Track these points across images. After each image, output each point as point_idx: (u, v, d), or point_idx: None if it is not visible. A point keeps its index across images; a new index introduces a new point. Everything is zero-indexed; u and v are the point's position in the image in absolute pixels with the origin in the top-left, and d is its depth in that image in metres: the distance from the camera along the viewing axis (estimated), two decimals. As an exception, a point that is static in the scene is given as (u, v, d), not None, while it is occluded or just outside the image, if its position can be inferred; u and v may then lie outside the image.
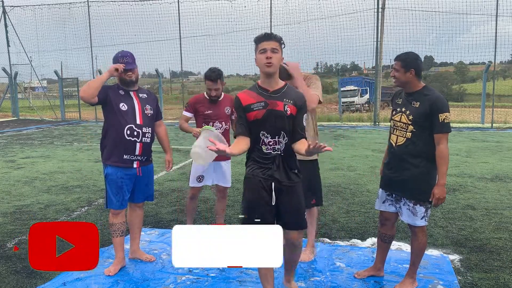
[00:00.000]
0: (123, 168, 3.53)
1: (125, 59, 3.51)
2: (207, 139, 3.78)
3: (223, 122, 4.20)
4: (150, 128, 3.63)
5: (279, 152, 2.74)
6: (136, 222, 3.82)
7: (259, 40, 2.69)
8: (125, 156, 3.52)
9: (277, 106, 2.70)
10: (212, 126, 4.06)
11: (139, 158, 3.58)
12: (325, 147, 2.38)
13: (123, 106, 3.52)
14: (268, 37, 2.66)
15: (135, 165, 3.57)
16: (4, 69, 20.88)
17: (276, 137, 2.72)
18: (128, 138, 3.50)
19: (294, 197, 2.79)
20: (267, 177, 2.74)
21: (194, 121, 4.34)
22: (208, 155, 3.58)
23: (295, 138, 2.76)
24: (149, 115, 3.63)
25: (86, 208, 5.57)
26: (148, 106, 3.64)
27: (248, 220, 2.79)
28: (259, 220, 2.72)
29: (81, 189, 6.57)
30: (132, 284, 3.40)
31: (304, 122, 2.81)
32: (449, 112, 3.05)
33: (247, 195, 2.82)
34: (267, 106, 2.70)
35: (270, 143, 2.72)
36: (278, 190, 2.76)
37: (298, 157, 2.86)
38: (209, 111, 4.14)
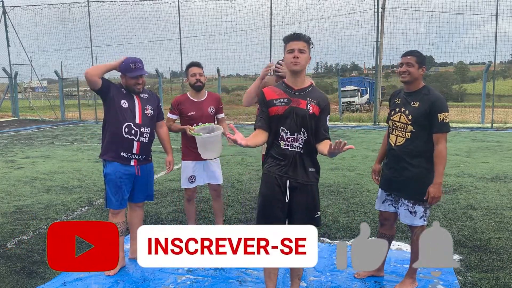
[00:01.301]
0: (121, 164, 3.53)
1: (136, 64, 3.51)
2: (203, 133, 3.85)
3: (207, 123, 4.16)
4: (149, 128, 3.62)
5: (297, 150, 2.76)
6: (136, 222, 3.82)
7: (287, 40, 2.74)
8: (122, 153, 3.53)
9: (300, 104, 2.74)
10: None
11: (136, 156, 3.58)
12: (345, 144, 2.42)
13: (124, 103, 3.53)
14: (296, 37, 2.71)
15: (132, 163, 3.58)
16: (4, 69, 20.87)
17: (296, 134, 2.74)
18: (125, 136, 3.50)
19: (307, 196, 2.80)
20: (282, 174, 2.77)
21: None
22: (211, 148, 3.59)
23: (318, 138, 2.79)
24: (149, 115, 3.63)
25: (86, 208, 5.57)
26: (148, 106, 3.65)
27: (261, 216, 2.81)
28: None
29: (81, 189, 6.57)
30: (132, 284, 3.41)
31: (327, 123, 2.84)
32: (448, 112, 3.06)
33: (262, 190, 2.86)
34: (290, 103, 2.74)
35: (288, 140, 2.75)
36: (293, 188, 2.77)
37: None
38: (192, 113, 4.09)
